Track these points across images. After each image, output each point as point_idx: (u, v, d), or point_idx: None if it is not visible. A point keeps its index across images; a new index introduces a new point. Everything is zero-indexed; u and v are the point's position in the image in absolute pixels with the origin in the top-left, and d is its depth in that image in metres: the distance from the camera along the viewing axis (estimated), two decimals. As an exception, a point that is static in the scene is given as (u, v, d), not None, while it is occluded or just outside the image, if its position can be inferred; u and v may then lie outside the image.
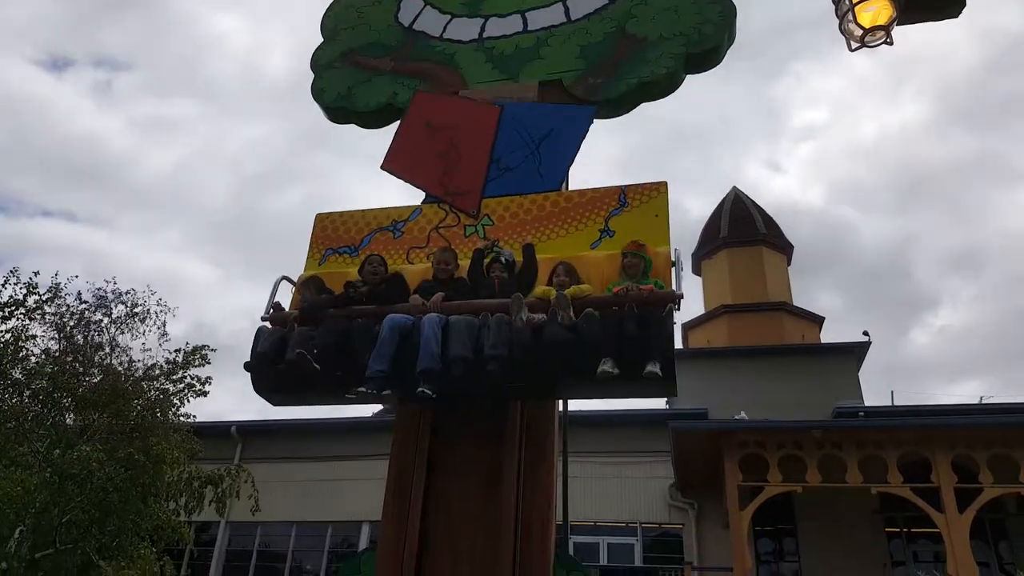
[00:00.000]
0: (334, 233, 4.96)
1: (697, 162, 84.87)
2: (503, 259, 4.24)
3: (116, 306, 16.45)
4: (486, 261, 4.30)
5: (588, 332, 3.55)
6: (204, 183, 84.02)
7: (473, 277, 4.26)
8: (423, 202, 4.96)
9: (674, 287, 3.86)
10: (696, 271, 25.04)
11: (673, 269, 4.06)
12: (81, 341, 15.92)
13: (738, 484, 14.19)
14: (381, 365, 3.66)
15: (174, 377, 15.58)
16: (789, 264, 24.16)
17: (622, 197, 4.48)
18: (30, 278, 14.71)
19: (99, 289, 16.27)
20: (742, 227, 23.56)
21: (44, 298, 14.81)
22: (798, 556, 16.40)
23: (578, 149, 4.83)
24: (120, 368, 15.63)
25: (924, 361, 66.79)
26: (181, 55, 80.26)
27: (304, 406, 4.53)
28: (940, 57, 75.41)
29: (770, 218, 24.32)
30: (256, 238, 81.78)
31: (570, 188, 4.86)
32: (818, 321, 22.64)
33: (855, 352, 20.35)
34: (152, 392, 15.26)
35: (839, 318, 78.49)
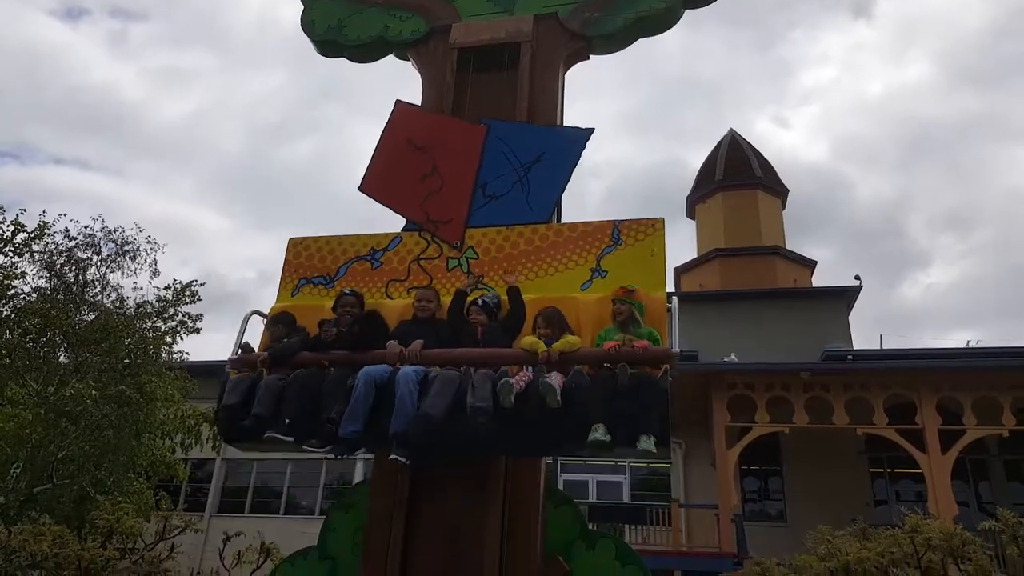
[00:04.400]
0: (308, 261, 4.60)
1: (703, 117, 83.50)
2: (486, 301, 3.93)
3: (105, 244, 16.33)
4: (468, 300, 4.01)
5: (578, 398, 3.32)
6: (217, 134, 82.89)
7: (453, 321, 3.95)
8: (403, 229, 4.61)
9: (669, 341, 3.65)
10: (690, 215, 24.91)
11: (669, 319, 3.79)
12: (72, 279, 15.83)
13: (726, 424, 14.44)
14: (355, 426, 3.43)
15: (166, 315, 15.55)
16: (784, 208, 24.04)
17: (615, 233, 4.16)
18: (16, 215, 14.52)
19: (86, 227, 16.08)
20: (738, 170, 23.34)
21: (32, 235, 14.63)
22: (783, 494, 16.83)
23: (569, 177, 4.47)
24: (111, 306, 15.59)
25: (914, 313, 67.51)
26: (196, 5, 78.08)
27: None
28: (948, 20, 73.78)
29: (766, 161, 24.08)
30: (267, 189, 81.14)
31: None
32: (810, 266, 22.67)
33: (846, 296, 20.45)
34: (144, 330, 15.24)
35: (831, 269, 78.90)
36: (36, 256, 15.44)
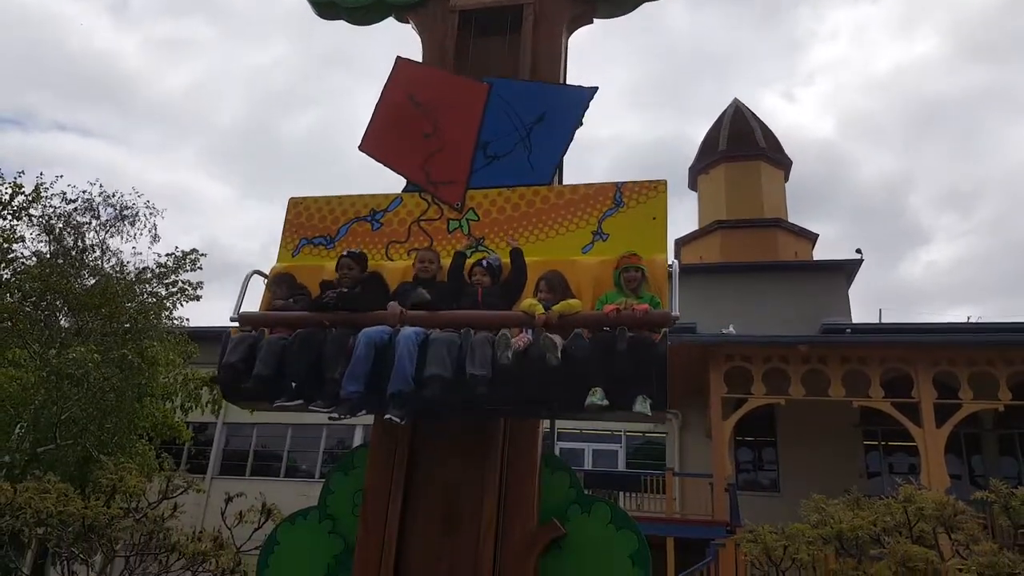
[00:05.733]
0: (308, 221, 4.54)
1: (710, 92, 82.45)
2: (488, 263, 3.90)
3: (104, 208, 16.29)
4: (468, 262, 3.98)
5: (577, 360, 3.31)
6: (219, 103, 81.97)
7: (453, 283, 3.93)
8: (404, 190, 4.55)
9: (669, 305, 3.62)
10: (692, 186, 24.77)
11: (669, 284, 3.74)
12: (71, 243, 15.82)
13: (722, 396, 14.53)
14: (356, 386, 3.43)
15: (166, 281, 15.58)
16: (787, 181, 23.90)
17: (617, 195, 4.10)
18: (15, 178, 14.45)
19: (84, 192, 16.02)
20: (741, 141, 23.14)
21: (29, 198, 14.58)
22: (776, 465, 17.01)
23: (572, 137, 4.39)
24: (112, 271, 15.60)
25: (915, 291, 67.47)
26: (198, -26, 76.80)
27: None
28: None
29: (770, 132, 23.87)
30: (269, 158, 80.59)
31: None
32: (811, 238, 22.62)
33: (846, 270, 20.44)
34: (144, 295, 15.28)
35: (832, 246, 78.71)
36: (35, 220, 15.43)
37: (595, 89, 4.43)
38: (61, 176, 18.52)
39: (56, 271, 14.36)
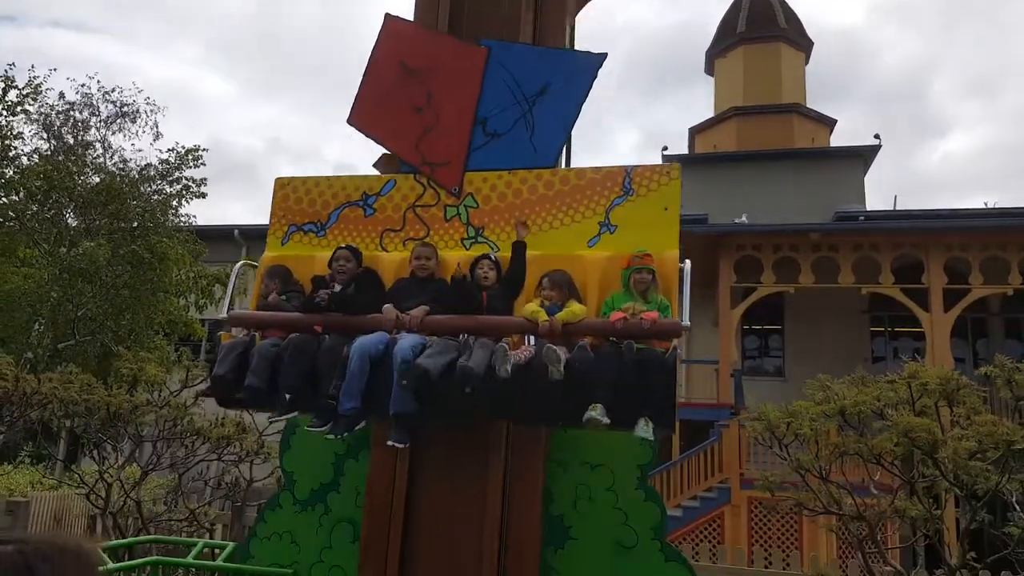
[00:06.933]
0: (297, 205, 4.25)
1: None
2: (495, 260, 3.65)
3: (104, 104, 15.96)
4: (472, 254, 3.74)
5: (580, 374, 3.13)
6: None
7: (456, 290, 3.65)
8: (397, 169, 4.23)
9: (679, 312, 3.40)
10: (709, 71, 23.87)
11: (680, 287, 3.50)
12: (71, 141, 15.62)
13: (731, 285, 14.59)
14: (353, 402, 3.29)
15: (170, 178, 15.46)
16: (807, 64, 22.97)
17: (627, 182, 3.78)
18: (6, 70, 14.08)
19: (83, 86, 15.64)
20: (761, 22, 22.06)
21: (24, 93, 14.26)
22: (782, 352, 17.29)
23: (578, 113, 3.99)
24: (115, 169, 15.47)
25: (933, 179, 66.06)
26: None
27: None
28: None
29: (791, 11, 22.71)
30: (276, 53, 77.72)
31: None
32: (829, 125, 21.98)
33: (862, 157, 19.98)
34: (150, 193, 15.22)
35: (850, 135, 76.50)
36: (32, 117, 15.18)
37: (604, 56, 4.01)
38: (55, 69, 17.77)
39: (59, 169, 14.24)
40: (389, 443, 3.33)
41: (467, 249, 3.89)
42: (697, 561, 7.46)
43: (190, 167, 15.52)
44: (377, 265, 3.91)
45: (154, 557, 5.47)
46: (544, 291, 3.45)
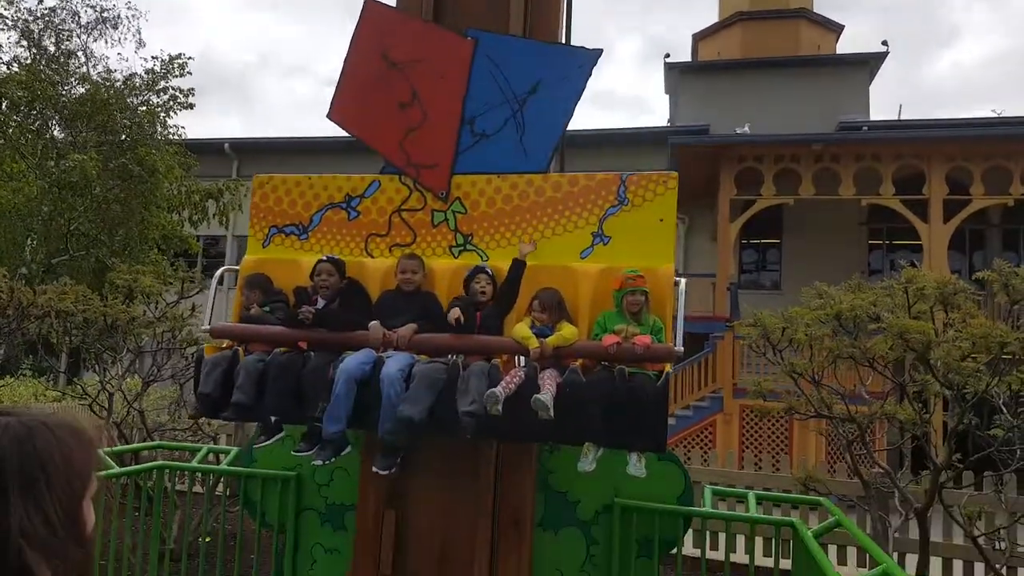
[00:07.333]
0: (277, 206, 4.07)
1: None
2: (489, 272, 3.52)
3: (84, 10, 15.34)
4: (460, 264, 3.65)
5: (571, 400, 3.10)
6: None
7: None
8: (382, 171, 4.02)
9: (673, 336, 3.30)
10: (711, -27, 22.88)
11: (674, 306, 3.39)
12: (53, 50, 15.09)
13: (731, 197, 14.44)
14: (338, 426, 3.24)
15: (156, 88, 15.03)
16: (814, -35, 21.98)
17: (621, 190, 3.61)
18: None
19: (58, -11, 14.97)
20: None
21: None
22: (779, 266, 17.31)
23: (572, 114, 3.76)
24: (99, 79, 15.01)
25: (940, 89, 64.47)
26: None
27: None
28: None
29: (802, -93, 21.55)
30: None
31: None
32: (837, 31, 21.24)
33: (868, 65, 19.41)
34: (136, 104, 14.82)
35: (856, 42, 74.15)
36: (9, 23, 14.60)
37: (599, 52, 3.77)
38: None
39: (40, 78, 13.79)
40: (374, 469, 3.34)
41: (455, 257, 3.78)
42: (689, 465, 7.68)
43: (176, 76, 15.07)
44: (362, 272, 3.81)
45: (160, 462, 5.62)
46: (535, 313, 3.38)
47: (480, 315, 3.43)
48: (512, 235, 3.76)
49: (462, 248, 3.80)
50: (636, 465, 3.13)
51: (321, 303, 3.60)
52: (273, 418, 3.46)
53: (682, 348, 3.26)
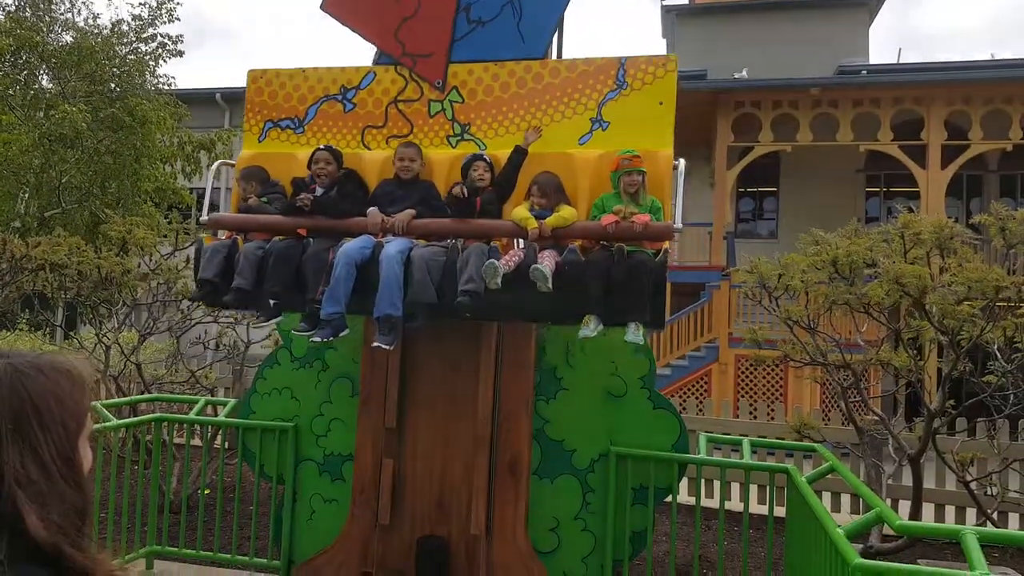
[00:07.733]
0: (272, 100, 4.02)
1: None
2: (487, 160, 3.52)
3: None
4: (459, 153, 3.65)
5: (571, 279, 3.12)
6: None
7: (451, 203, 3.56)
8: (376, 62, 3.94)
9: (672, 213, 3.33)
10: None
11: (673, 186, 3.41)
12: (35, -6, 14.66)
13: (728, 144, 14.27)
14: (336, 307, 3.28)
15: (144, 35, 14.66)
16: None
17: (620, 74, 3.56)
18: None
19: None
20: None
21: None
22: (776, 214, 17.23)
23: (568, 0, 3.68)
24: (85, 26, 14.63)
25: (941, 31, 63.23)
26: None
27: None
28: None
29: None
30: None
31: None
32: (838, -29, 20.68)
33: (868, 6, 18.99)
34: (125, 53, 14.47)
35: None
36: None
37: None
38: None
39: (24, 25, 13.42)
40: (375, 344, 3.35)
41: (453, 147, 3.74)
42: (685, 413, 7.77)
43: (164, 22, 14.69)
44: (359, 164, 3.78)
45: (158, 414, 5.66)
46: (534, 198, 3.38)
47: (479, 200, 3.48)
48: (511, 124, 3.74)
49: (460, 138, 3.79)
50: (634, 333, 3.15)
51: (319, 191, 3.62)
52: (272, 302, 3.51)
53: (681, 226, 3.29)
